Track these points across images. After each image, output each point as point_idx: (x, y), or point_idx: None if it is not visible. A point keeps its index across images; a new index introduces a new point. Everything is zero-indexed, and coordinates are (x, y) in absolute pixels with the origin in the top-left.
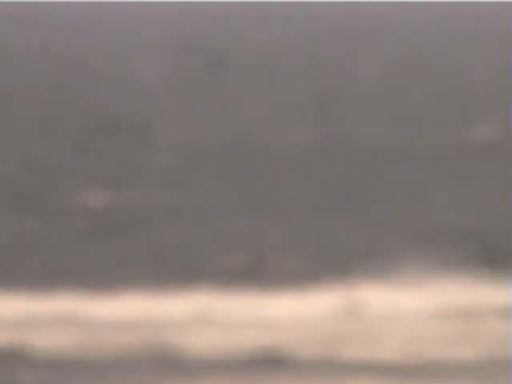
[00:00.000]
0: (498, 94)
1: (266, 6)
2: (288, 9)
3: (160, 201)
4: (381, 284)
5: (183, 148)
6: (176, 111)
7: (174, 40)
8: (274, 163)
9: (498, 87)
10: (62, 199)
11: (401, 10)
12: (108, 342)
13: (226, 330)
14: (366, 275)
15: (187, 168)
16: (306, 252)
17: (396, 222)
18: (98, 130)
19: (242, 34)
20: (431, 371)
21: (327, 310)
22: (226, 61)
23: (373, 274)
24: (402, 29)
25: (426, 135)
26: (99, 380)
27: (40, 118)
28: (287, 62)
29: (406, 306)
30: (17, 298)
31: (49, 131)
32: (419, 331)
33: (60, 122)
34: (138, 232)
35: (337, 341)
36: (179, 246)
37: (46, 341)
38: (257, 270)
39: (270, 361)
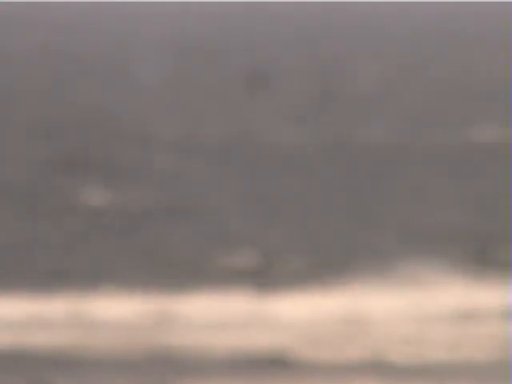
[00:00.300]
0: (498, 94)
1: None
2: (288, 9)
3: (160, 201)
4: (381, 285)
5: (183, 148)
6: (176, 111)
7: (174, 40)
8: (274, 163)
9: (498, 87)
10: (62, 199)
11: (401, 10)
12: (108, 342)
13: (228, 330)
14: (367, 276)
15: (187, 168)
16: (306, 252)
17: (396, 223)
18: (97, 129)
19: (241, 34)
20: (431, 372)
21: (329, 311)
22: (226, 61)
23: (373, 274)
24: (402, 29)
25: (427, 135)
26: (100, 380)
27: (40, 117)
28: (287, 62)
29: (406, 307)
30: (17, 298)
31: (48, 131)
32: (419, 332)
33: (60, 122)
34: (138, 232)
35: (338, 342)
36: (180, 246)
37: (47, 341)
38: (258, 271)
39: (273, 362)
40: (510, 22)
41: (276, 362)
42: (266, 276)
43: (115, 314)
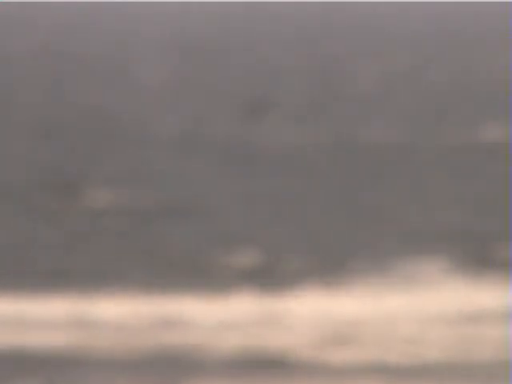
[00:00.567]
0: (499, 94)
1: (265, 6)
2: (288, 9)
3: (160, 201)
4: (381, 285)
5: (183, 148)
6: (176, 111)
7: (174, 40)
8: (274, 163)
9: (498, 87)
10: (62, 199)
11: (401, 10)
12: (110, 343)
13: (230, 330)
14: (367, 276)
15: (187, 168)
16: (307, 252)
17: (396, 223)
18: (97, 129)
19: (241, 34)
20: (432, 373)
21: (330, 311)
22: (226, 61)
23: (373, 274)
24: (402, 29)
25: (427, 135)
26: (102, 381)
27: (40, 117)
28: (287, 62)
29: (406, 307)
30: (17, 299)
31: (48, 131)
32: (419, 332)
33: (60, 122)
34: (139, 232)
35: (340, 342)
36: (181, 246)
37: (46, 342)
38: (259, 271)
39: (275, 362)
40: (510, 22)
41: (278, 363)
42: (267, 276)
43: (116, 314)
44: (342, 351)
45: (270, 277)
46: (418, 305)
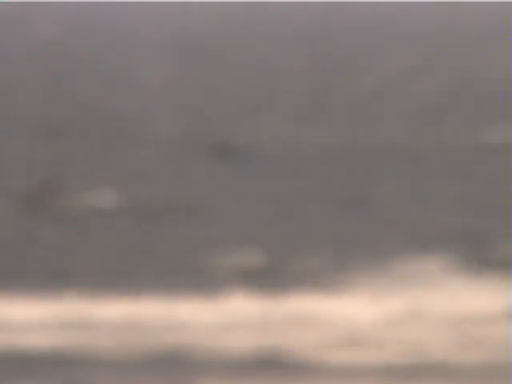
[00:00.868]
0: (499, 94)
1: (265, 6)
2: (288, 9)
3: (161, 201)
4: (381, 285)
5: (184, 147)
6: (176, 111)
7: (174, 40)
8: (274, 163)
9: (498, 87)
10: (62, 199)
11: (401, 10)
12: (111, 343)
13: (232, 331)
14: (367, 276)
15: (187, 168)
16: (306, 253)
17: (397, 223)
18: (97, 129)
19: (241, 34)
20: (431, 374)
21: (330, 312)
22: (226, 61)
23: (373, 275)
24: (402, 29)
25: (427, 135)
26: (105, 381)
27: (40, 117)
28: (287, 62)
29: (406, 308)
30: (18, 299)
31: (48, 131)
32: (419, 333)
33: (60, 122)
34: (139, 232)
35: (341, 343)
36: (182, 246)
37: (48, 342)
38: (260, 271)
39: (275, 363)
40: (510, 22)
41: (280, 363)
42: (268, 276)
43: (118, 314)
44: (343, 352)
45: (270, 277)
46: (419, 305)
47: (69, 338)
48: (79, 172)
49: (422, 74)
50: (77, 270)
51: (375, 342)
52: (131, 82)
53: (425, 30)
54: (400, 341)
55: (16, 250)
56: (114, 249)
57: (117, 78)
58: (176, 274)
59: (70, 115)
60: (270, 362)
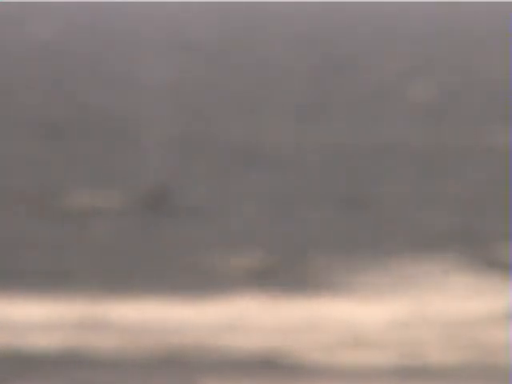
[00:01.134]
0: (498, 94)
1: (265, 6)
2: (288, 9)
3: (161, 201)
4: (381, 286)
5: (184, 147)
6: (176, 111)
7: (174, 40)
8: (274, 163)
9: (498, 87)
10: (62, 199)
11: (401, 10)
12: (116, 345)
13: (233, 332)
14: (367, 277)
15: (188, 167)
16: (306, 253)
17: (397, 224)
18: (97, 129)
19: (241, 34)
20: (432, 376)
21: (332, 313)
22: (226, 61)
23: (373, 275)
24: (402, 29)
25: (427, 135)
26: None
27: (39, 117)
28: (287, 62)
29: (406, 309)
30: (22, 300)
31: (48, 131)
32: (418, 334)
33: (59, 122)
34: (139, 233)
35: (344, 345)
36: (184, 246)
37: (52, 343)
38: (261, 272)
39: (272, 364)
40: (510, 22)
41: (280, 365)
42: (269, 277)
43: (122, 315)
44: (346, 353)
45: (271, 278)
46: (419, 306)
47: (70, 339)
48: (79, 172)
49: (422, 74)
50: (78, 271)
51: (377, 344)
52: (131, 81)
53: (425, 30)
54: (401, 342)
55: (16, 250)
56: (114, 249)
57: (117, 77)
58: (177, 275)
59: (70, 115)
60: (272, 363)
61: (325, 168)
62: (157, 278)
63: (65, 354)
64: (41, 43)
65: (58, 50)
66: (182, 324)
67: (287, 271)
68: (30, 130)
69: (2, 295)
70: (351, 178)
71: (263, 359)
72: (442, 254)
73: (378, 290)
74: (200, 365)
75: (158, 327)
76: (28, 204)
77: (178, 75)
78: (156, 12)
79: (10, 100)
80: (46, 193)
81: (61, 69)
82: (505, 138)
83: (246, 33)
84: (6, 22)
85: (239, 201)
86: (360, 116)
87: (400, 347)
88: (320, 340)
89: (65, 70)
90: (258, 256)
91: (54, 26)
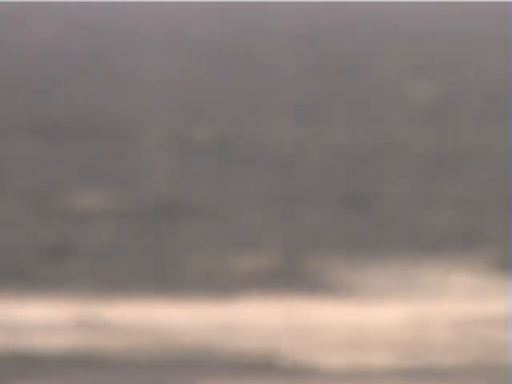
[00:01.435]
0: (498, 95)
1: (265, 6)
2: (288, 9)
3: (162, 201)
4: (382, 287)
5: (183, 147)
6: (176, 111)
7: (174, 40)
8: (274, 163)
9: (498, 87)
10: (62, 199)
11: (401, 10)
12: (119, 345)
13: (236, 333)
14: (368, 278)
15: (189, 167)
16: (308, 253)
17: (397, 224)
18: (97, 129)
19: (241, 34)
20: (432, 377)
21: (331, 315)
22: (226, 61)
23: (374, 276)
24: (402, 29)
25: (427, 136)
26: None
27: (39, 117)
28: (287, 62)
29: (406, 310)
30: (24, 301)
31: (47, 131)
32: (418, 335)
33: (59, 122)
34: (140, 233)
35: (341, 346)
36: (186, 248)
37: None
38: (262, 273)
39: (273, 365)
40: (510, 22)
41: (281, 366)
42: (269, 278)
43: (125, 316)
44: (347, 355)
45: (271, 279)
46: (420, 306)
47: (71, 340)
48: (79, 172)
49: (422, 74)
50: (79, 271)
51: (378, 344)
52: (131, 81)
53: (425, 30)
54: (401, 343)
55: (17, 251)
56: (116, 250)
57: (117, 77)
58: (178, 276)
59: (70, 115)
60: (273, 364)
61: (325, 168)
62: (159, 279)
63: (67, 355)
64: (41, 43)
65: (58, 50)
66: (184, 324)
67: (288, 271)
68: (30, 130)
69: (3, 296)
70: (351, 177)
71: (263, 360)
72: (442, 254)
73: (379, 291)
74: (201, 365)
75: (160, 328)
76: (28, 204)
77: (178, 75)
78: (156, 12)
79: (9, 100)
80: (46, 193)
81: (61, 69)
82: (505, 137)
83: (246, 33)
84: (6, 22)
85: (239, 201)
86: (360, 116)
87: (400, 348)
88: (321, 341)
89: (65, 69)
90: (258, 257)
91: (53, 25)
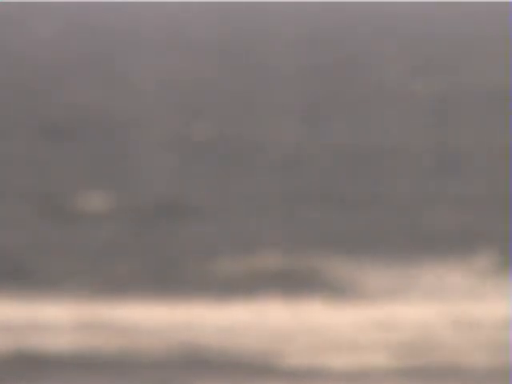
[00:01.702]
0: (498, 95)
1: (265, 6)
2: (288, 9)
3: (162, 201)
4: (383, 287)
5: (183, 147)
6: (176, 111)
7: (174, 40)
8: (274, 163)
9: (498, 87)
10: (61, 200)
11: (401, 10)
12: (123, 345)
13: (235, 333)
14: (367, 277)
15: (189, 167)
16: (308, 254)
17: (397, 225)
18: (97, 129)
19: (241, 34)
20: (431, 378)
21: (332, 315)
22: (226, 61)
23: (375, 277)
24: (402, 29)
25: (427, 136)
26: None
27: (39, 117)
28: (287, 62)
29: (407, 311)
30: (28, 302)
31: (47, 131)
32: (418, 336)
33: (59, 122)
34: (145, 234)
35: (340, 347)
36: (187, 248)
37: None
38: (263, 274)
39: (274, 365)
40: (510, 22)
41: (281, 366)
42: (270, 279)
43: (123, 316)
44: (348, 356)
45: (271, 279)
46: (420, 307)
47: (71, 340)
48: (79, 172)
49: (422, 74)
50: (82, 272)
51: (379, 344)
52: (131, 81)
53: (425, 30)
54: (402, 343)
55: (22, 253)
56: (116, 249)
57: (117, 77)
58: (178, 276)
59: (70, 115)
60: (274, 365)
61: (325, 168)
62: (159, 279)
63: (68, 355)
64: (41, 43)
65: (58, 49)
66: (184, 325)
67: (288, 271)
68: (30, 130)
69: (3, 296)
70: (351, 177)
71: (264, 360)
72: (442, 254)
73: (379, 291)
74: (201, 365)
75: (160, 328)
76: (28, 204)
77: (178, 75)
78: (156, 12)
79: (9, 100)
80: (46, 193)
81: (61, 69)
82: (505, 137)
83: (246, 33)
84: (6, 21)
85: (239, 201)
86: (360, 116)
87: (401, 348)
88: (323, 341)
89: (65, 69)
90: (258, 256)
91: (53, 25)
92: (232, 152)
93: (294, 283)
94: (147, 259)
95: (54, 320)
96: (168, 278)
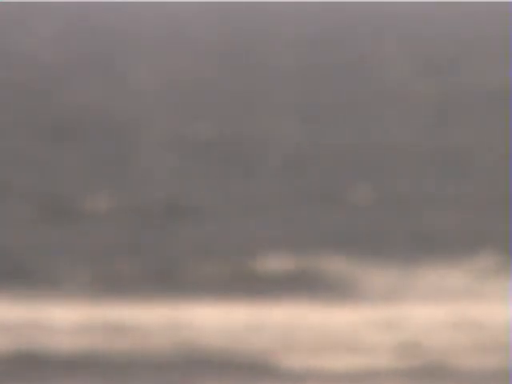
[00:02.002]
0: (498, 95)
1: (265, 6)
2: (288, 9)
3: (162, 201)
4: (384, 288)
5: (183, 147)
6: (176, 111)
7: (173, 40)
8: (273, 162)
9: (498, 87)
10: (61, 200)
11: (401, 10)
12: (124, 346)
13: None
14: (371, 281)
15: (189, 167)
16: (308, 254)
17: (397, 225)
18: (97, 129)
19: (241, 34)
20: (431, 378)
21: (331, 316)
22: (226, 61)
23: (376, 278)
24: (402, 29)
25: (427, 136)
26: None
27: (39, 117)
28: (287, 62)
29: (408, 312)
30: (33, 303)
31: (47, 131)
32: (418, 337)
33: (59, 122)
34: (141, 234)
35: (338, 348)
36: (187, 249)
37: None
38: (262, 274)
39: (274, 366)
40: (510, 22)
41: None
42: (270, 279)
43: (123, 317)
44: (342, 357)
45: (271, 279)
46: (420, 307)
47: (72, 340)
48: (79, 172)
49: (422, 75)
50: (84, 273)
51: (379, 345)
52: (131, 81)
53: (425, 30)
54: (402, 343)
55: (23, 254)
56: (116, 249)
57: (117, 78)
58: (178, 276)
59: (70, 115)
60: (274, 365)
61: (325, 168)
62: (159, 279)
63: (69, 355)
64: (41, 43)
65: (58, 49)
66: (184, 325)
67: (288, 271)
68: (30, 130)
69: (4, 296)
70: (351, 177)
71: (264, 360)
72: (442, 255)
73: (379, 291)
74: (201, 365)
75: (160, 329)
76: (28, 204)
77: (178, 75)
78: (156, 12)
79: (10, 100)
80: (46, 193)
81: (61, 69)
82: (505, 137)
83: (246, 33)
84: (6, 22)
85: (239, 201)
86: (360, 116)
87: (401, 348)
88: (318, 343)
89: (65, 69)
90: (258, 256)
91: (53, 25)
92: (232, 152)
93: (294, 283)
94: (147, 259)
95: (55, 320)
96: (168, 278)
